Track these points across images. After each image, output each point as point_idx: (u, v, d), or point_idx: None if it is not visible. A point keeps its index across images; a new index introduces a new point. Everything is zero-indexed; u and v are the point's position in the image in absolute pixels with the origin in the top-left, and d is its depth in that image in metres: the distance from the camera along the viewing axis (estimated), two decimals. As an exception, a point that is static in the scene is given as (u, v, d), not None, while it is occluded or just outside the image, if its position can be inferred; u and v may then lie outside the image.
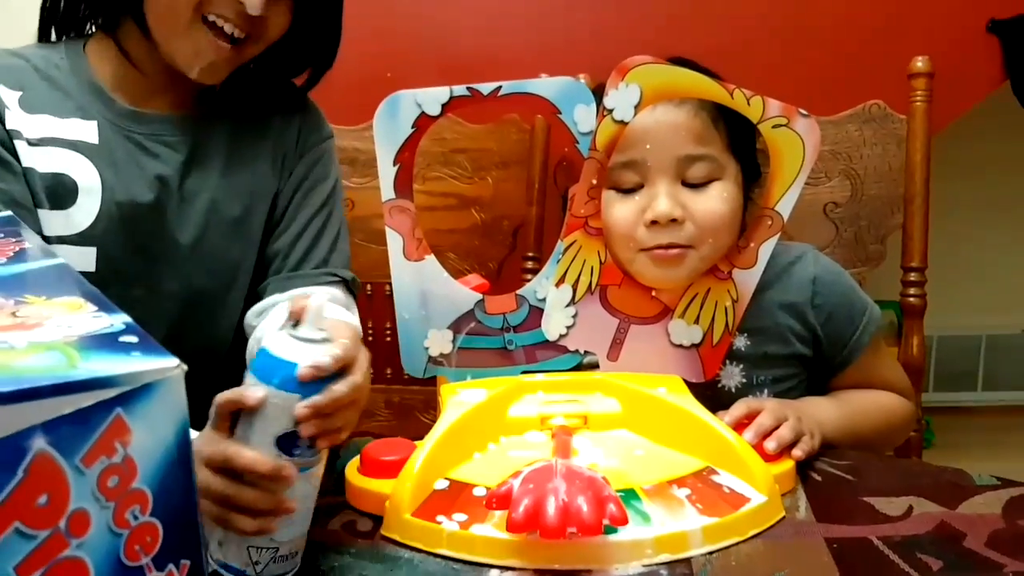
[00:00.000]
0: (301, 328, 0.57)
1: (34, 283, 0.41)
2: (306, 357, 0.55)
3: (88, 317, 0.36)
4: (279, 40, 0.87)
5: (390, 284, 0.84)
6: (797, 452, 0.73)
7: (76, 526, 0.30)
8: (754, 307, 0.85)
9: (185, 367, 0.32)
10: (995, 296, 2.26)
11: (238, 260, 0.92)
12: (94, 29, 0.91)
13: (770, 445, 0.72)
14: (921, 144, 1.14)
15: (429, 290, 0.83)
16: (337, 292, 0.92)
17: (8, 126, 0.83)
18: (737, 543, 0.63)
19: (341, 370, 0.57)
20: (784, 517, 0.67)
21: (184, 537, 0.33)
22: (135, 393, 0.31)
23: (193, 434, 0.56)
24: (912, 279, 1.15)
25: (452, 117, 1.30)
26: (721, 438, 0.71)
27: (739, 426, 0.74)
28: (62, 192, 0.83)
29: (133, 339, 0.34)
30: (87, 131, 0.85)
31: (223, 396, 0.56)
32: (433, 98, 0.80)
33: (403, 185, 0.81)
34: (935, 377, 2.30)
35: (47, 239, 0.82)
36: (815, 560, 0.60)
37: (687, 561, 0.61)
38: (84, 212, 0.84)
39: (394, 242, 0.82)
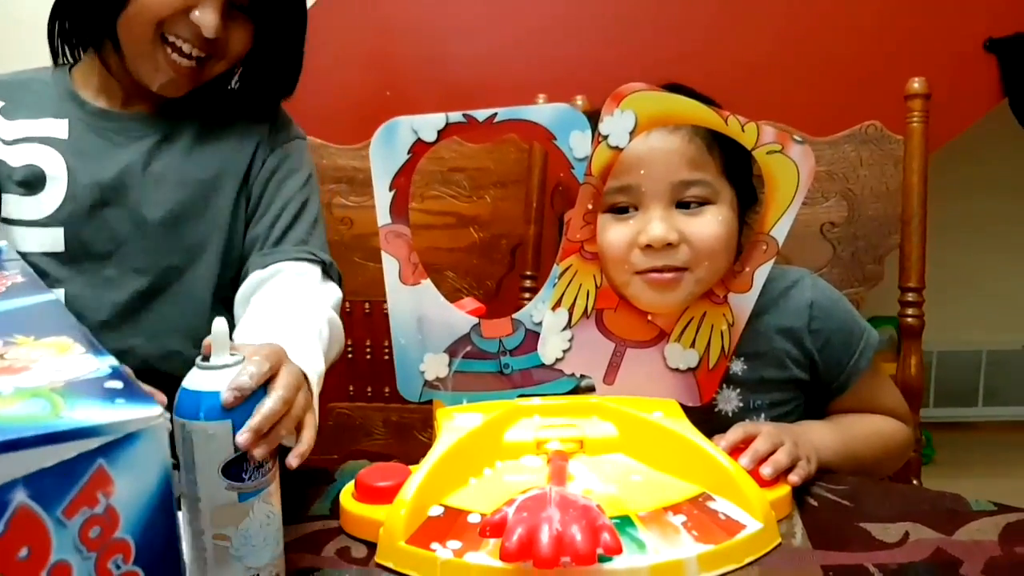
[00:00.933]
0: (212, 358, 0.58)
1: (24, 322, 0.42)
2: (224, 383, 0.56)
3: (76, 359, 0.36)
4: (242, 61, 0.95)
5: (386, 303, 0.84)
6: (793, 478, 0.73)
7: (58, 578, 0.30)
8: (751, 332, 0.85)
9: (168, 416, 0.32)
10: (996, 311, 2.26)
11: (204, 236, 0.96)
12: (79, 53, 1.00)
13: (766, 471, 0.72)
14: (918, 165, 1.14)
15: (425, 314, 0.83)
16: (314, 270, 0.96)
17: None
18: (733, 571, 0.63)
19: (265, 385, 0.59)
20: (780, 544, 0.67)
21: (168, 583, 0.33)
22: (118, 443, 0.31)
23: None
24: (910, 299, 1.15)
25: (451, 137, 1.31)
26: (717, 464, 0.71)
27: (735, 451, 0.74)
28: (32, 180, 0.92)
29: (118, 384, 0.34)
30: (58, 128, 0.94)
31: None
32: (429, 124, 0.80)
33: (399, 210, 0.81)
34: (935, 392, 2.30)
35: (16, 222, 0.92)
36: (811, 589, 0.60)
37: (682, 590, 0.60)
38: (52, 197, 0.92)
39: (390, 267, 0.82)
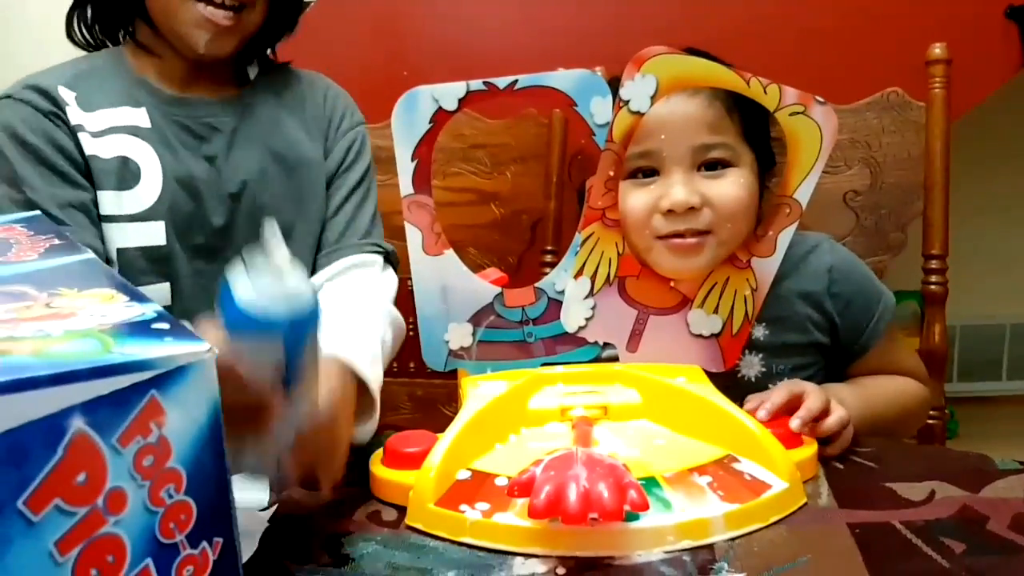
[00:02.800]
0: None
1: (66, 277, 0.43)
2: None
3: (121, 306, 0.37)
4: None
5: (411, 279, 0.85)
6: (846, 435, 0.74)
7: (113, 504, 0.31)
8: (772, 297, 0.85)
9: (216, 350, 0.33)
10: (1019, 285, 2.24)
11: (292, 220, 0.96)
12: (122, 36, 0.98)
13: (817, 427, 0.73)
14: (940, 131, 1.13)
15: (448, 284, 0.84)
16: (376, 261, 0.98)
17: (72, 122, 0.89)
18: (759, 529, 0.63)
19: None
20: (806, 503, 0.67)
21: (217, 515, 0.34)
22: (169, 375, 0.32)
23: None
24: (933, 267, 1.14)
25: (470, 113, 1.31)
26: (742, 426, 0.71)
27: (778, 415, 0.74)
28: (126, 174, 0.89)
29: (165, 326, 0.35)
30: (139, 117, 0.91)
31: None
32: (450, 93, 0.81)
33: (421, 180, 0.82)
34: (959, 367, 2.28)
35: (115, 218, 0.89)
36: (838, 545, 0.60)
37: (709, 547, 0.61)
38: (149, 190, 0.89)
39: (413, 237, 0.82)
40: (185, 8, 0.87)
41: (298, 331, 0.51)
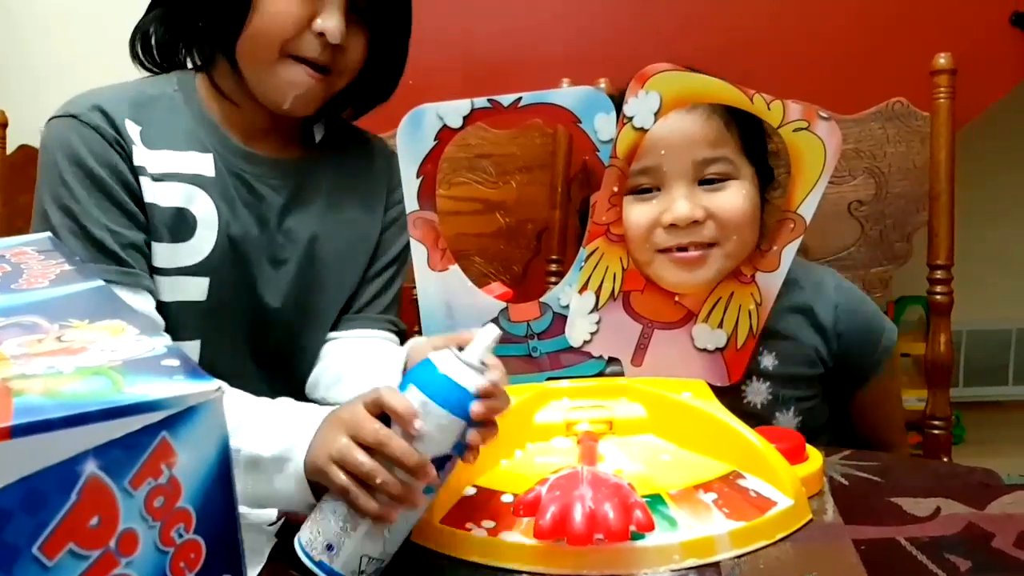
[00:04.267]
0: (471, 354, 0.60)
1: (77, 306, 0.43)
2: (474, 385, 0.59)
3: (131, 340, 0.38)
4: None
5: (414, 288, 0.85)
6: None
7: (125, 545, 0.32)
8: (781, 327, 0.86)
9: (224, 390, 0.34)
10: (1026, 290, 2.23)
11: (332, 297, 0.94)
12: (190, 64, 0.92)
13: None
14: (945, 141, 1.13)
15: (453, 300, 0.84)
16: (395, 339, 0.96)
17: (135, 163, 0.84)
18: (765, 546, 0.63)
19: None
20: (811, 520, 0.67)
21: (226, 553, 0.35)
22: (179, 416, 0.33)
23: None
24: (938, 277, 1.14)
25: (476, 123, 1.32)
26: (746, 442, 0.72)
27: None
28: (182, 226, 0.85)
29: (175, 362, 0.36)
30: (204, 164, 0.86)
31: (392, 399, 0.59)
32: (455, 111, 0.81)
33: (426, 196, 0.82)
34: (965, 371, 2.28)
35: (163, 271, 0.84)
36: (843, 562, 0.61)
37: (715, 565, 0.61)
38: (202, 244, 0.85)
39: (418, 253, 0.83)
40: (281, 65, 0.83)
41: (470, 423, 0.60)
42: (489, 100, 0.81)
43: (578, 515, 0.58)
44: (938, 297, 1.14)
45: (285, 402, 0.73)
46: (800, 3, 1.52)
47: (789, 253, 0.82)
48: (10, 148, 1.34)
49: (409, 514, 0.60)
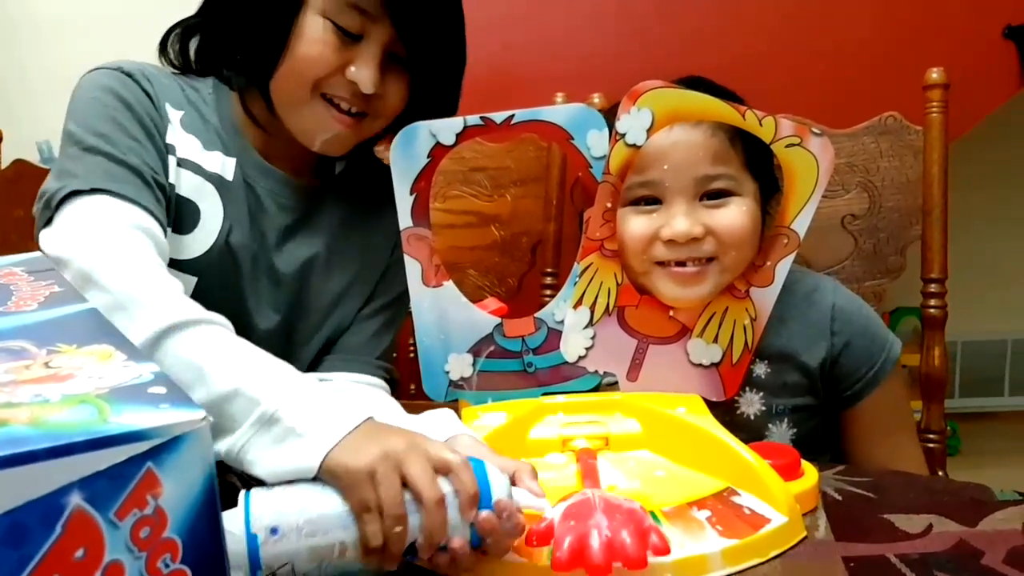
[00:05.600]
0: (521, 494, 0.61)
1: (65, 330, 0.43)
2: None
3: (118, 366, 0.38)
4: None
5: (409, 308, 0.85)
6: None
7: (111, 577, 0.32)
8: (775, 337, 0.86)
9: (211, 419, 0.34)
10: (1020, 300, 2.24)
11: (315, 329, 0.92)
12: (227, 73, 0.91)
13: None
14: (938, 156, 1.13)
15: (448, 315, 0.84)
16: (386, 387, 0.93)
17: (167, 140, 0.83)
18: (757, 565, 0.63)
19: None
20: (806, 536, 0.67)
21: (213, 582, 0.35)
22: (165, 446, 0.33)
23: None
24: (932, 290, 1.14)
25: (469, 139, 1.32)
26: (741, 458, 0.71)
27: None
28: (187, 218, 0.84)
29: (162, 390, 0.35)
30: (227, 167, 0.86)
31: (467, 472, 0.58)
32: (448, 128, 0.81)
33: (420, 213, 0.83)
34: (960, 383, 2.28)
35: None
36: (833, 580, 0.61)
37: (706, 584, 0.61)
38: (198, 242, 0.84)
39: (412, 269, 0.83)
40: (312, 106, 0.83)
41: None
42: (482, 118, 0.82)
43: (596, 545, 0.58)
44: (932, 311, 1.14)
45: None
46: (793, 19, 1.53)
47: (783, 268, 0.82)
48: (4, 162, 1.34)
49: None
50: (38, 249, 0.74)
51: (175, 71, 0.91)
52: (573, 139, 0.82)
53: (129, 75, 0.82)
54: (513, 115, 0.82)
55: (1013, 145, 2.00)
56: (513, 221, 1.36)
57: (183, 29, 0.90)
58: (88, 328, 0.43)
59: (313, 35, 0.81)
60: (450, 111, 0.89)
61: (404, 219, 0.82)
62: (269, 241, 0.88)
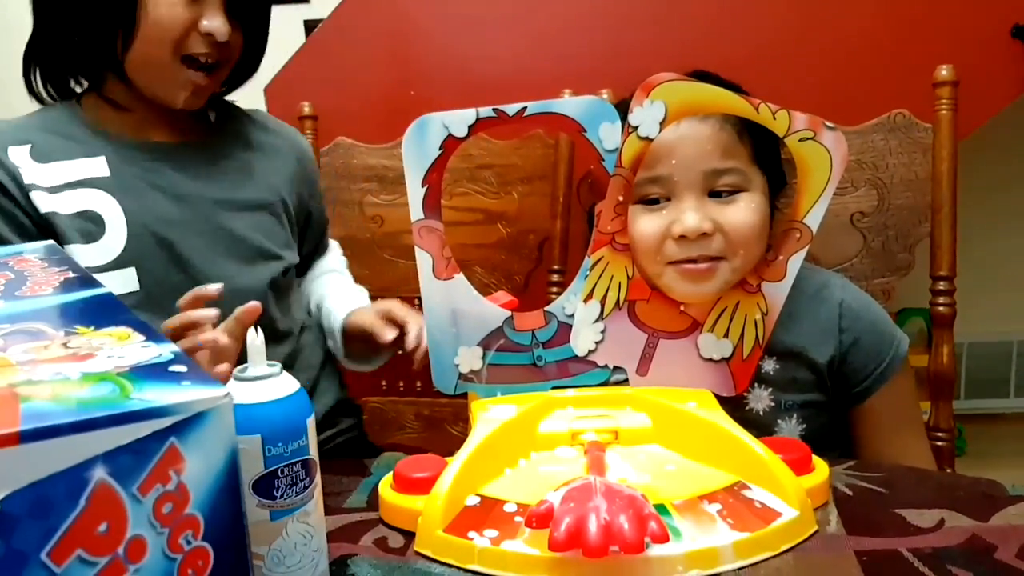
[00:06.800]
0: (249, 370, 0.58)
1: (82, 313, 0.43)
2: (258, 394, 0.56)
3: (137, 347, 0.38)
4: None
5: (418, 298, 0.85)
6: None
7: (133, 552, 0.32)
8: (783, 333, 0.85)
9: (233, 397, 0.34)
10: (1027, 302, 2.23)
11: (257, 254, 1.00)
12: (79, 89, 0.98)
13: None
14: (947, 153, 1.13)
15: (458, 308, 0.84)
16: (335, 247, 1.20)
17: (26, 181, 0.90)
18: (768, 558, 0.63)
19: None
20: (817, 531, 0.67)
21: (234, 559, 0.35)
22: (188, 422, 0.32)
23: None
24: (941, 288, 1.14)
25: (478, 134, 1.32)
26: (752, 452, 0.71)
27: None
28: (90, 227, 0.90)
29: (182, 368, 0.35)
30: (96, 167, 0.92)
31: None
32: (460, 120, 0.81)
33: (432, 205, 0.82)
34: (967, 384, 2.27)
35: (92, 269, 0.88)
36: (845, 573, 0.60)
37: (718, 576, 0.61)
38: (114, 239, 0.91)
39: (424, 262, 0.83)
40: (174, 69, 0.90)
41: None
42: (494, 110, 0.81)
43: (593, 527, 0.58)
44: (941, 309, 1.14)
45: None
46: (802, 15, 1.53)
47: (795, 263, 0.82)
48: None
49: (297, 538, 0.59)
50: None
51: (42, 104, 0.98)
52: (586, 132, 0.82)
53: None
54: (526, 107, 0.82)
55: (1021, 145, 1.99)
56: (520, 219, 1.36)
57: (29, 63, 0.97)
58: (105, 311, 0.43)
59: None
60: (262, 50, 1.01)
61: (416, 211, 0.82)
62: (189, 202, 0.95)
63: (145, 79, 0.92)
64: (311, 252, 1.15)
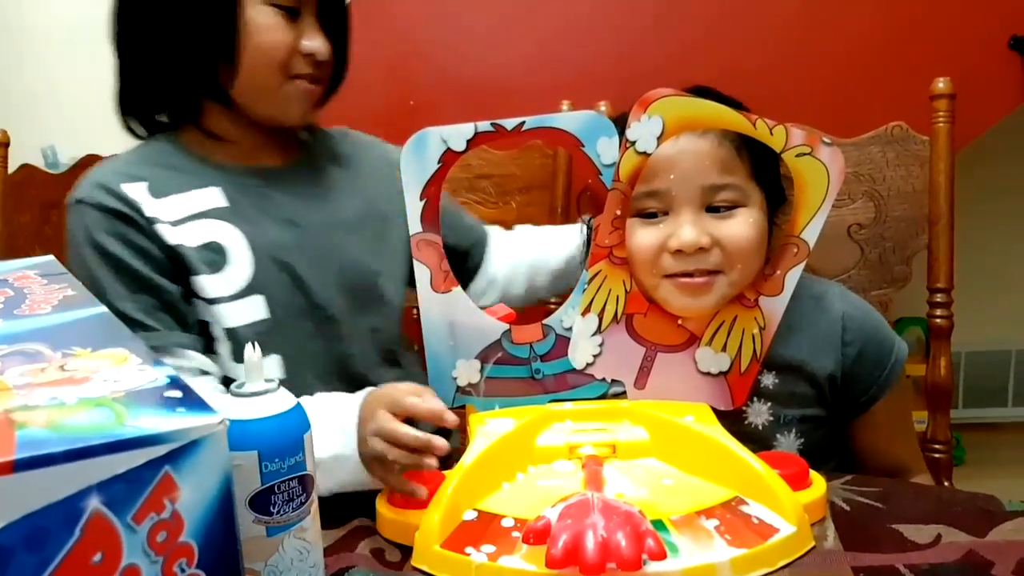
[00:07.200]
0: (246, 385, 0.58)
1: (80, 334, 0.43)
2: (255, 410, 0.56)
3: (134, 370, 0.38)
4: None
5: (416, 308, 0.85)
6: None
7: (128, 582, 0.32)
8: (783, 346, 0.85)
9: (227, 423, 0.34)
10: (1024, 310, 2.23)
11: (377, 270, 0.98)
12: (168, 120, 0.97)
13: None
14: (944, 165, 1.13)
15: (456, 321, 0.84)
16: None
17: (148, 215, 0.88)
18: (766, 574, 0.63)
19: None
20: (814, 546, 0.67)
21: (228, 586, 0.35)
22: (183, 450, 0.32)
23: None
24: (938, 300, 1.14)
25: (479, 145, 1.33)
26: (749, 468, 0.71)
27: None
28: (217, 257, 0.89)
29: (178, 394, 0.35)
30: (213, 197, 0.91)
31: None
32: (458, 134, 0.81)
33: (430, 219, 0.83)
34: (964, 393, 2.27)
35: (219, 300, 0.89)
36: (844, 591, 0.61)
37: (716, 593, 0.61)
38: (240, 268, 0.90)
39: (422, 275, 0.83)
40: (285, 89, 0.90)
41: None
42: (492, 124, 0.82)
43: (590, 544, 0.58)
44: (938, 320, 1.15)
45: (324, 401, 0.82)
46: (799, 29, 1.54)
47: (793, 278, 0.82)
48: (11, 167, 1.34)
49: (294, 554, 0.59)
50: (44, 253, 0.76)
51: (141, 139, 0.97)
52: (583, 146, 0.82)
53: (83, 202, 0.88)
54: (524, 122, 0.82)
55: (1019, 156, 2.00)
56: (518, 228, 1.36)
57: (126, 102, 0.95)
58: (103, 332, 0.43)
59: (264, 23, 0.87)
60: (347, 64, 0.98)
61: (414, 224, 0.82)
62: (300, 225, 0.93)
63: (257, 103, 0.91)
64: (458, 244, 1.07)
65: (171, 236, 0.88)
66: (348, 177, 1.01)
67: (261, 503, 0.56)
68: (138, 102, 0.95)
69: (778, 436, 0.87)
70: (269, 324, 0.90)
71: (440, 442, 0.69)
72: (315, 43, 0.89)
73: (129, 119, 0.96)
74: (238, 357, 0.89)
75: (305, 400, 0.84)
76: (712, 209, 0.82)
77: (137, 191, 0.89)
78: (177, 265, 0.88)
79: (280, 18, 0.88)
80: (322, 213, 0.96)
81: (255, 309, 0.90)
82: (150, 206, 0.88)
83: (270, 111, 0.92)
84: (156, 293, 0.87)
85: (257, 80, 0.89)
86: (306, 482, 0.59)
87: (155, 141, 0.95)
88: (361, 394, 0.79)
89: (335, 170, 1.00)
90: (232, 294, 0.89)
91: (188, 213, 0.89)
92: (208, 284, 0.88)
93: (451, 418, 0.71)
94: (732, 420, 0.83)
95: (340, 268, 0.94)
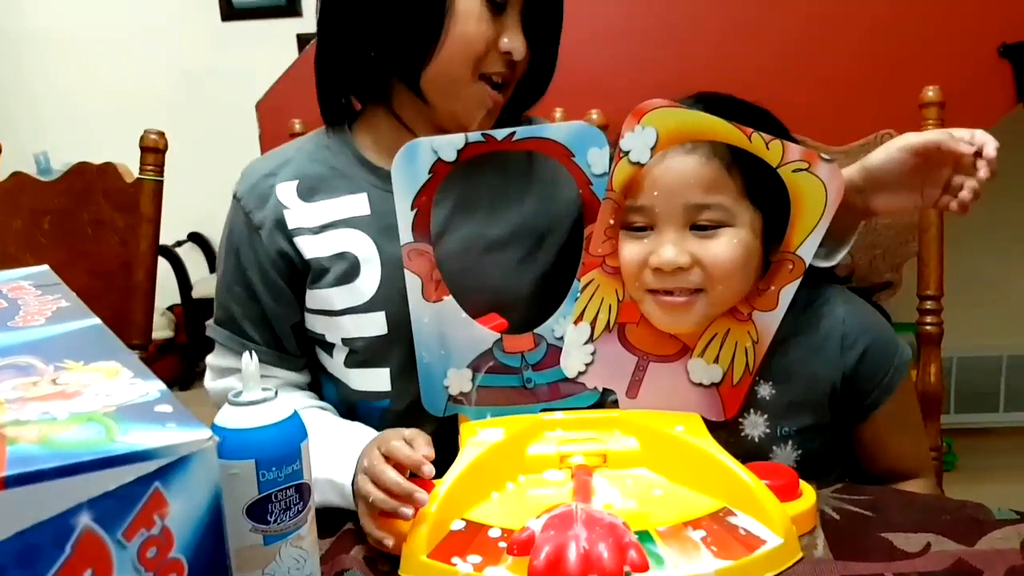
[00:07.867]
0: (243, 394, 0.58)
1: (73, 346, 0.43)
2: (251, 419, 0.57)
3: (125, 384, 0.38)
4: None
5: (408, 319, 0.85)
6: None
7: (118, 598, 0.32)
8: (781, 354, 0.84)
9: (216, 439, 0.34)
10: (1015, 316, 2.24)
11: (521, 294, 0.92)
12: (362, 104, 0.96)
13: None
14: (934, 174, 1.14)
15: (448, 330, 0.84)
16: None
17: (290, 226, 0.90)
18: (752, 584, 0.63)
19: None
20: (802, 558, 0.67)
21: (218, 601, 0.35)
22: (172, 466, 0.33)
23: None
24: (928, 307, 1.15)
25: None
26: (738, 479, 0.72)
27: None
28: (347, 269, 0.89)
29: (168, 408, 0.36)
30: (358, 204, 0.91)
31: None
32: (449, 144, 0.82)
33: (421, 229, 0.83)
34: (956, 398, 2.28)
35: (340, 312, 0.90)
36: (831, 600, 0.61)
37: (701, 604, 0.61)
38: (368, 282, 0.89)
39: (413, 284, 0.83)
40: (474, 87, 0.87)
41: None
42: (483, 134, 0.82)
43: (572, 555, 0.58)
44: (928, 328, 1.15)
45: (348, 428, 0.85)
46: (789, 37, 1.54)
47: (787, 294, 0.80)
48: (3, 175, 1.34)
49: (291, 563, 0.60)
50: (36, 260, 0.75)
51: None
52: (574, 156, 0.83)
53: (238, 200, 0.92)
54: (514, 132, 0.82)
55: (1008, 162, 2.00)
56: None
57: (324, 76, 0.93)
58: (95, 344, 0.43)
59: (470, 12, 0.84)
60: (551, 72, 0.94)
61: (405, 234, 0.83)
62: (442, 235, 0.90)
63: (441, 97, 0.88)
64: None
65: (309, 248, 0.90)
66: (513, 186, 0.94)
67: (258, 512, 0.56)
68: (335, 79, 0.93)
69: (774, 448, 0.86)
70: (384, 340, 0.90)
71: (421, 496, 0.68)
72: (514, 42, 0.86)
73: (326, 102, 0.94)
74: (351, 364, 0.92)
75: (334, 420, 0.88)
76: (698, 227, 0.79)
77: (287, 194, 0.91)
78: (304, 276, 0.91)
79: (486, 10, 0.85)
80: (467, 229, 0.91)
81: (375, 325, 0.90)
82: (295, 214, 0.90)
83: (452, 107, 0.88)
84: (263, 309, 0.92)
85: (450, 70, 0.86)
86: (303, 491, 0.59)
87: (323, 135, 0.96)
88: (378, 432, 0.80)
89: (497, 179, 0.93)
90: (355, 306, 0.89)
91: (331, 219, 0.90)
92: (337, 296, 0.90)
93: (428, 470, 0.69)
94: (728, 432, 0.83)
95: (474, 291, 0.88)
